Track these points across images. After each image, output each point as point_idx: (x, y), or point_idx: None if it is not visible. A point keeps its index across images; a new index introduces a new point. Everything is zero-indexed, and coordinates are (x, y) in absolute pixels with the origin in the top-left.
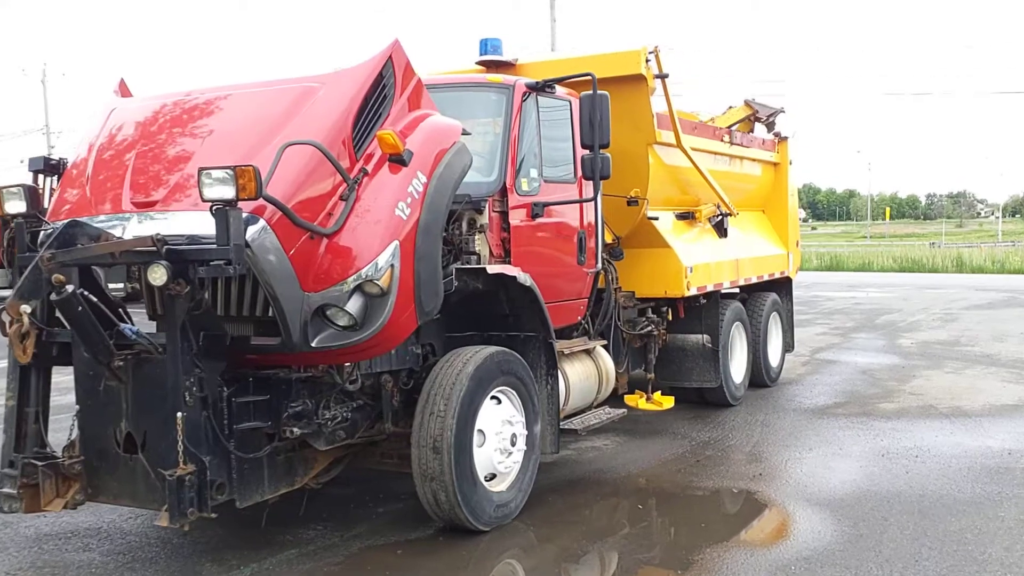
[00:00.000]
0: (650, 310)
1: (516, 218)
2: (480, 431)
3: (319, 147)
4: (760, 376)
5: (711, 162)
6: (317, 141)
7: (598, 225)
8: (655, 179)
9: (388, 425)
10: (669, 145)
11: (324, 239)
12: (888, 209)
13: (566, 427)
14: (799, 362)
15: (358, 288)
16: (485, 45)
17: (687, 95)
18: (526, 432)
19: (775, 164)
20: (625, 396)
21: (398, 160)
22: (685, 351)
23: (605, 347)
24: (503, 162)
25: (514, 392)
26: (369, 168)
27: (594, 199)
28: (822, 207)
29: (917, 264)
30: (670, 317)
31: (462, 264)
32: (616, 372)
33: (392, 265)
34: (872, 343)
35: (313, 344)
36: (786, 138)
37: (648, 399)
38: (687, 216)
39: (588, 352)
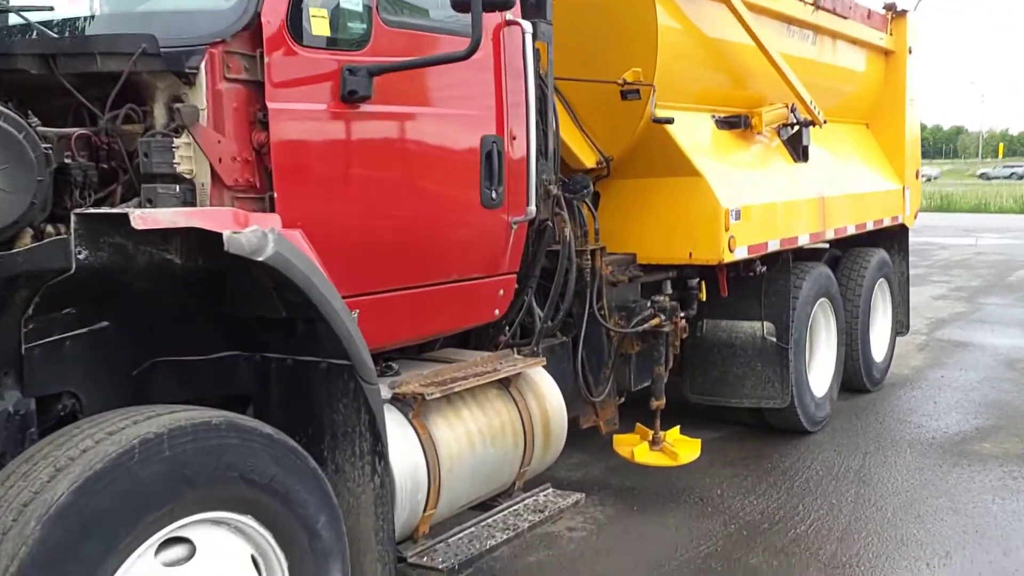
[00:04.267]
0: (666, 286)
1: (293, 99)
2: None
3: None
4: (856, 377)
5: (781, 37)
6: None
7: (530, 124)
8: (670, 51)
9: None
10: None
11: None
12: (1001, 145)
13: (421, 562)
14: (913, 345)
15: None
16: None
17: None
18: None
19: (886, 52)
20: (615, 438)
21: None
22: (731, 349)
23: (570, 360)
24: None
25: (255, 524)
26: None
27: (526, 68)
28: (927, 144)
29: None
30: (703, 295)
31: (121, 208)
32: (595, 401)
33: None
34: (1011, 313)
35: None
36: (904, 12)
37: (656, 443)
38: (734, 123)
39: (503, 385)
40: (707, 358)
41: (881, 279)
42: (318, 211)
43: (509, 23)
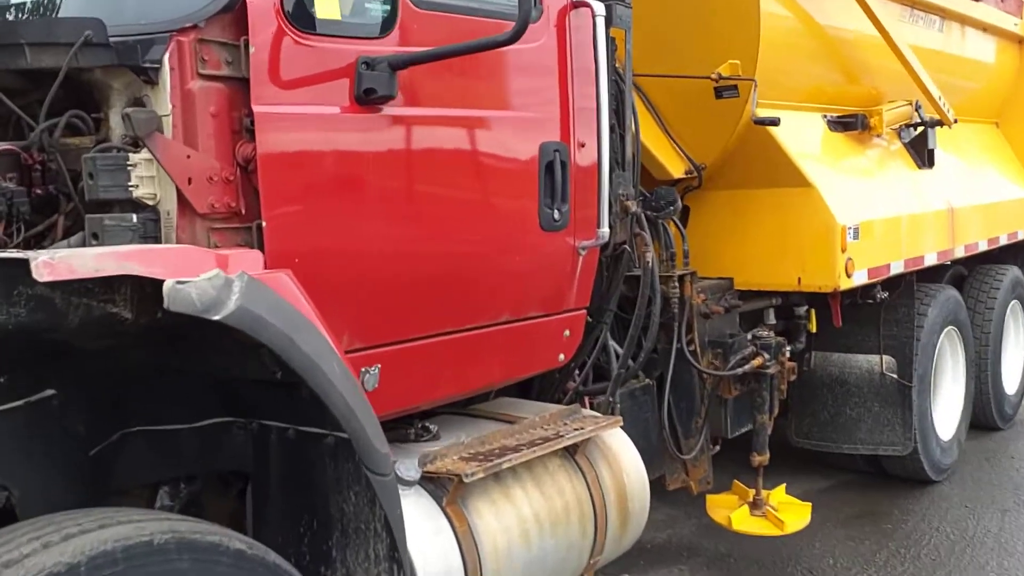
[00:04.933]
0: (769, 315)
1: (290, 100)
2: None
3: None
4: (985, 412)
5: (902, 23)
6: None
7: (602, 127)
8: (774, 40)
9: None
10: None
11: None
12: None
13: None
14: None
15: None
16: None
17: None
18: None
19: (1021, 40)
20: (708, 499)
21: None
22: (844, 387)
23: (654, 407)
24: None
25: None
26: None
27: (598, 60)
28: None
29: None
30: (813, 326)
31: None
32: (686, 459)
33: None
34: None
35: None
36: None
37: (757, 506)
38: (849, 124)
39: (568, 452)
40: (816, 397)
41: (1014, 300)
42: (322, 242)
43: (576, 4)
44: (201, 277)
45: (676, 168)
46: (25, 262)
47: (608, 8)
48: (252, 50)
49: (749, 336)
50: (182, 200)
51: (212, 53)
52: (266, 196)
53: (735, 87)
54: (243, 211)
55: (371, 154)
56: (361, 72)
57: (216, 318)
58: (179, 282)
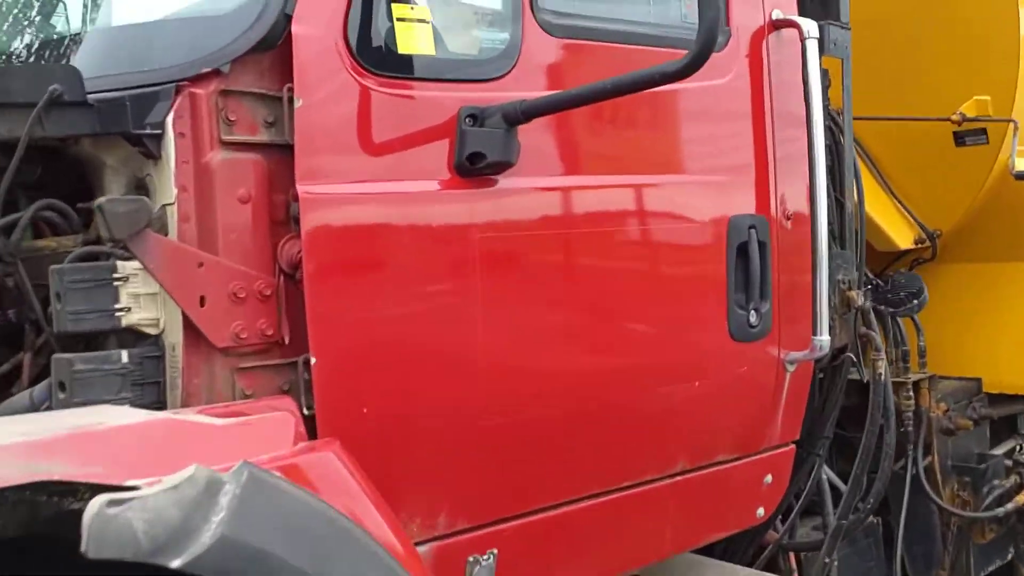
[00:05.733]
0: None
1: (357, 175)
2: None
3: None
4: None
5: None
6: None
7: (817, 192)
8: None
9: None
10: None
11: None
12: None
13: None
14: None
15: None
16: None
17: None
18: None
19: None
20: None
21: None
22: None
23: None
24: None
25: None
26: None
27: (809, 100)
28: None
29: None
30: None
31: None
32: None
33: None
34: None
35: None
36: None
37: None
38: None
39: None
40: None
41: None
42: (405, 381)
43: (778, 24)
44: (156, 489)
45: (903, 237)
46: None
47: (821, 29)
48: (299, 103)
49: (1003, 457)
50: (190, 329)
51: (242, 110)
52: (317, 318)
53: (983, 131)
54: (286, 340)
55: (481, 251)
56: (464, 130)
57: (176, 564)
58: (112, 502)
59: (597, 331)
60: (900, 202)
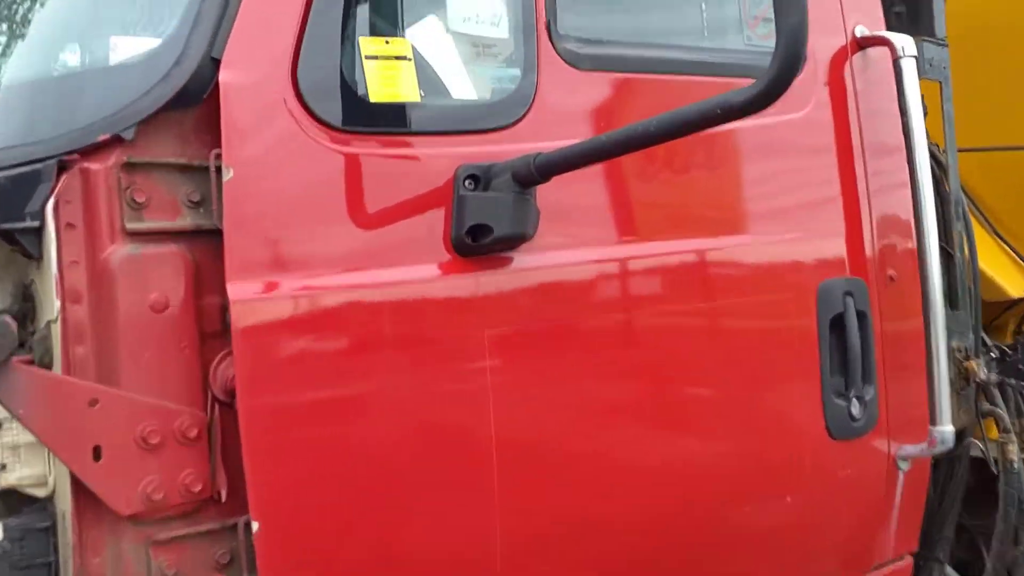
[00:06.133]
0: None
1: (315, 269)
2: None
3: None
4: None
5: None
6: None
7: (927, 245)
8: None
9: None
10: None
11: None
12: None
13: None
14: None
15: None
16: None
17: None
18: None
19: None
20: None
21: None
22: None
23: None
24: None
25: None
26: None
27: (910, 132)
28: None
29: None
30: None
31: None
32: None
33: None
34: None
35: None
36: None
37: None
38: None
39: None
40: None
41: None
42: (382, 550)
43: (863, 42)
44: None
45: (1015, 285)
46: None
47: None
48: (229, 175)
49: None
50: (83, 491)
51: (154, 188)
52: (259, 468)
53: None
54: (222, 497)
55: (493, 361)
56: (464, 196)
57: None
58: None
59: (656, 452)
60: (1008, 244)
